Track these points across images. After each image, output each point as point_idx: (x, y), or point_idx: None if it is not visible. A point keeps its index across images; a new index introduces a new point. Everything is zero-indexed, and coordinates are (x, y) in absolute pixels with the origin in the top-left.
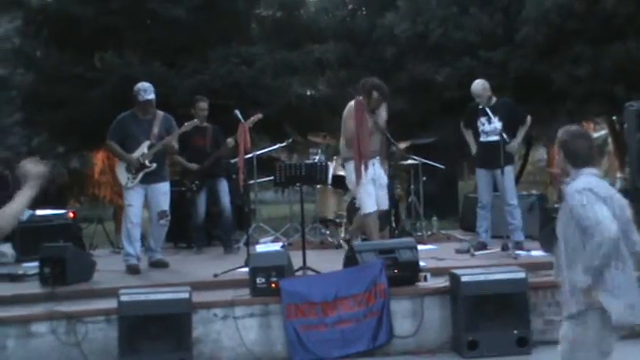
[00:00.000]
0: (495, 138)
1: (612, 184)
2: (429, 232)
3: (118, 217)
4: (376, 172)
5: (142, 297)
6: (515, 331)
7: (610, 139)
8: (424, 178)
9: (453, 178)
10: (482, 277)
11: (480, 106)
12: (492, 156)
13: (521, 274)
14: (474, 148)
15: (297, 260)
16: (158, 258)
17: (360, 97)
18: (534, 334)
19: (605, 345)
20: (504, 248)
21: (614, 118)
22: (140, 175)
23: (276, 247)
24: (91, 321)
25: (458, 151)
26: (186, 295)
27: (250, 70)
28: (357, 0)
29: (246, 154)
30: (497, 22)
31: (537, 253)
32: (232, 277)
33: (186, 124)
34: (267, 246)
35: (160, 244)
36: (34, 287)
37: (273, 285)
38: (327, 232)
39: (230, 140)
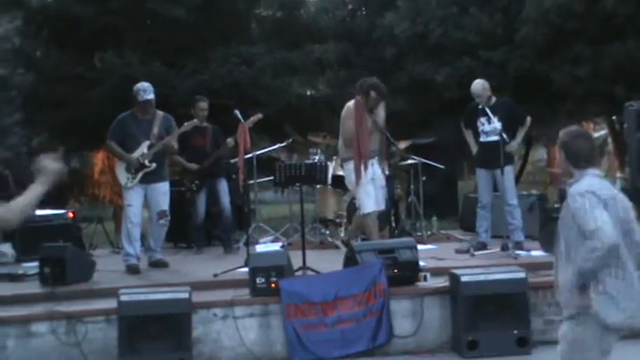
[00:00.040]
0: (495, 138)
1: (612, 184)
2: (429, 232)
3: (117, 217)
4: (375, 172)
5: (142, 297)
6: (515, 331)
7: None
8: (424, 178)
9: (453, 178)
10: (482, 277)
11: (480, 106)
12: (492, 156)
13: (521, 274)
14: (474, 149)
15: (296, 260)
16: (158, 258)
17: (359, 97)
18: (534, 334)
19: (605, 345)
20: (504, 248)
21: (614, 118)
22: (140, 175)
23: (276, 247)
24: (91, 321)
25: (458, 151)
26: (186, 295)
27: (250, 70)
28: (357, 0)
29: (246, 154)
30: (497, 22)
31: (537, 253)
32: (232, 277)
33: (185, 124)
34: (266, 246)
35: (160, 244)
36: (34, 287)
37: (272, 285)
38: (327, 232)
39: (230, 140)
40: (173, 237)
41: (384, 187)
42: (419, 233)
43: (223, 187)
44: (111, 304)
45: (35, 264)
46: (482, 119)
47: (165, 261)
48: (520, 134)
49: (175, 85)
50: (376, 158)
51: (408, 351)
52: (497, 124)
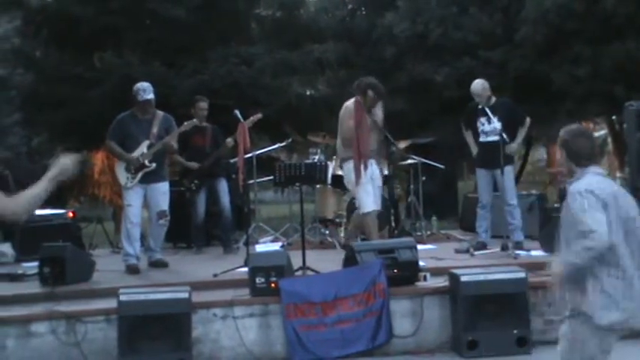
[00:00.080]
0: (495, 138)
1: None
2: (429, 232)
3: (117, 217)
4: (374, 171)
5: (142, 297)
6: (515, 331)
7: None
8: (424, 178)
9: (453, 178)
10: (481, 277)
11: (480, 106)
12: (492, 156)
13: (521, 274)
14: (474, 150)
15: (296, 260)
16: (158, 258)
17: (358, 98)
18: (534, 333)
19: (605, 345)
20: (504, 248)
21: (613, 117)
22: (139, 175)
23: (276, 247)
24: (91, 321)
25: (457, 150)
26: (185, 295)
27: (250, 70)
28: (356, 0)
29: (245, 153)
30: (497, 22)
31: (537, 253)
32: (232, 277)
33: (185, 123)
34: (266, 246)
35: (160, 244)
36: (33, 287)
37: (272, 285)
38: (327, 232)
39: (230, 140)
40: (173, 237)
41: (380, 188)
42: (419, 233)
43: (223, 187)
44: (111, 304)
45: (35, 264)
46: (482, 119)
47: (165, 261)
48: (520, 135)
49: (175, 85)
50: (374, 158)
51: (408, 351)
52: (497, 124)
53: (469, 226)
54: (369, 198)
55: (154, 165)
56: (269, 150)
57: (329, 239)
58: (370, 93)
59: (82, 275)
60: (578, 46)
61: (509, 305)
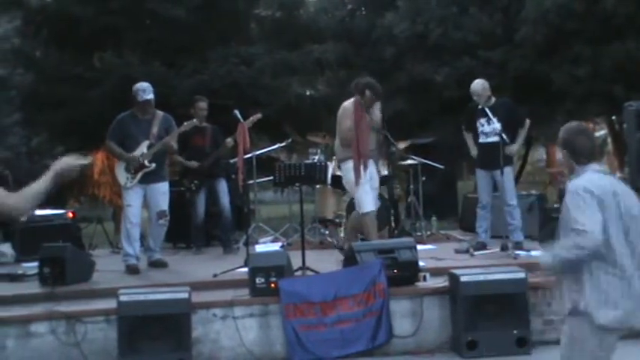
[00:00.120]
0: (495, 139)
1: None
2: (429, 232)
3: (117, 217)
4: (372, 172)
5: (142, 297)
6: (515, 331)
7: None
8: (423, 178)
9: (453, 178)
10: (481, 277)
11: (480, 107)
12: (492, 157)
13: (521, 274)
14: (473, 151)
15: (296, 260)
16: (157, 258)
17: (358, 98)
18: (534, 334)
19: (605, 344)
20: (504, 248)
21: (613, 118)
22: (139, 175)
23: (276, 247)
24: (91, 321)
25: (457, 151)
26: (185, 295)
27: (250, 70)
28: (356, 0)
29: (245, 154)
30: (497, 22)
31: (537, 253)
32: (232, 277)
33: (185, 123)
34: (266, 246)
35: (159, 244)
36: (33, 287)
37: (272, 285)
38: (327, 232)
39: (229, 140)
40: (172, 237)
41: (377, 188)
42: (418, 233)
43: (223, 187)
44: (110, 304)
45: (35, 264)
46: (482, 120)
47: (165, 261)
48: (520, 137)
49: (175, 85)
50: (372, 158)
51: (408, 351)
52: (496, 124)
53: (469, 227)
54: (368, 198)
55: (153, 165)
56: (269, 150)
57: (329, 239)
58: (368, 93)
59: (81, 275)
60: (578, 46)
61: (509, 305)
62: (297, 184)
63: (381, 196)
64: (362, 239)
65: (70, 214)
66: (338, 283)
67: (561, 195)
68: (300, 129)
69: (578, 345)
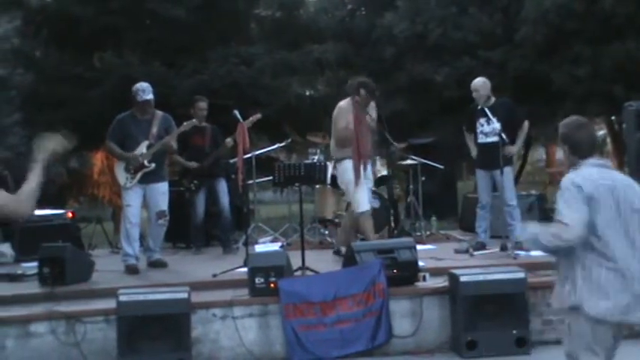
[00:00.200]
0: (494, 139)
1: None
2: (428, 232)
3: (116, 217)
4: (368, 171)
5: (141, 297)
6: (515, 331)
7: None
8: (423, 178)
9: (452, 179)
10: (481, 277)
11: (479, 107)
12: (491, 157)
13: (521, 274)
14: (474, 152)
15: (296, 260)
16: (157, 258)
17: (357, 97)
18: (533, 334)
19: (598, 336)
20: (503, 248)
21: (613, 118)
22: (139, 175)
23: (275, 247)
24: (90, 321)
25: (457, 151)
26: (185, 295)
27: (249, 70)
28: (356, 0)
29: (245, 154)
30: (497, 22)
31: (536, 254)
32: (231, 277)
33: (184, 123)
34: (266, 246)
35: (159, 244)
36: (33, 287)
37: (272, 285)
38: (326, 232)
39: (229, 140)
40: (172, 237)
41: (370, 188)
42: (418, 233)
43: (222, 187)
44: (110, 304)
45: (34, 264)
46: (482, 120)
47: (164, 261)
48: (520, 139)
49: (175, 85)
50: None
51: (408, 351)
52: (496, 124)
53: (468, 227)
54: (365, 198)
55: (153, 165)
56: (268, 150)
57: (328, 239)
58: (363, 92)
59: (81, 275)
60: (578, 46)
61: (508, 305)
62: (296, 184)
63: (380, 196)
64: (362, 239)
65: (70, 214)
66: (337, 283)
67: None
68: (299, 129)
69: (575, 338)
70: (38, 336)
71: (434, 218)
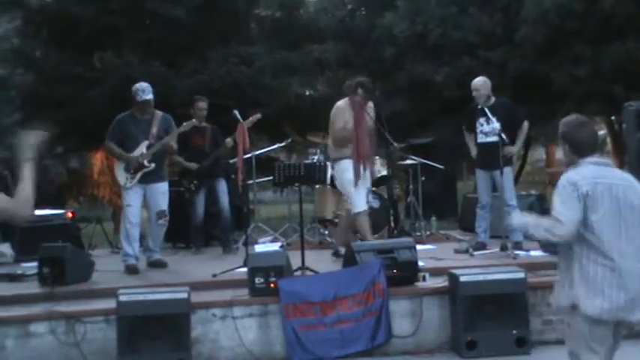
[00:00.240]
0: (494, 139)
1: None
2: (428, 232)
3: (116, 217)
4: (366, 172)
5: (141, 297)
6: (515, 331)
7: (609, 139)
8: (423, 178)
9: (452, 179)
10: (481, 277)
11: (479, 107)
12: (491, 157)
13: (520, 274)
14: (474, 151)
15: (295, 260)
16: (157, 258)
17: (357, 97)
18: (533, 334)
19: (596, 334)
20: (503, 248)
21: (613, 118)
22: (139, 175)
23: (275, 247)
24: (90, 321)
25: (457, 151)
26: (184, 295)
27: (249, 70)
28: (356, 0)
29: (245, 154)
30: (497, 22)
31: (536, 254)
32: (231, 277)
33: (184, 124)
34: (265, 246)
35: (159, 244)
36: (33, 287)
37: (271, 285)
38: (326, 232)
39: (229, 140)
40: (172, 237)
41: (368, 188)
42: (418, 233)
43: (222, 187)
44: (110, 304)
45: (34, 264)
46: (482, 120)
47: (164, 261)
48: (519, 139)
49: (175, 85)
50: None
51: (407, 351)
52: (496, 124)
53: (468, 227)
54: (362, 198)
55: (153, 165)
56: (268, 150)
57: (328, 239)
58: (360, 91)
59: (81, 275)
60: (578, 46)
61: (508, 305)
62: (296, 184)
63: (380, 196)
64: (361, 239)
65: (70, 214)
66: (337, 283)
67: None
68: (299, 129)
69: (575, 337)
70: (38, 336)
71: (434, 218)
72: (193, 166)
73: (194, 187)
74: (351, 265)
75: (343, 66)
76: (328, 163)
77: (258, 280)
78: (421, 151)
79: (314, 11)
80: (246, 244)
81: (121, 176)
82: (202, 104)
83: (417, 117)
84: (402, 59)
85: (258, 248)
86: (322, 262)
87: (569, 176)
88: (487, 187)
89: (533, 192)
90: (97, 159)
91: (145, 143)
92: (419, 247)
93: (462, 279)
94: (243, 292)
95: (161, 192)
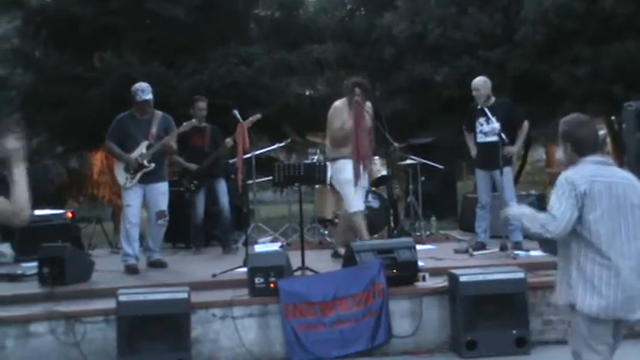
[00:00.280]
0: (494, 138)
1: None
2: (428, 232)
3: (116, 217)
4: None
5: (141, 297)
6: (514, 331)
7: (609, 139)
8: (423, 178)
9: (452, 178)
10: (480, 277)
11: (479, 107)
12: (491, 157)
13: (520, 274)
14: (473, 151)
15: (295, 260)
16: (157, 258)
17: (357, 97)
18: (533, 334)
19: (595, 333)
20: (503, 248)
21: (612, 118)
22: (139, 175)
23: (275, 247)
24: (90, 321)
25: (457, 151)
26: (184, 295)
27: (249, 70)
28: (355, 0)
29: (244, 154)
30: (497, 22)
31: (536, 254)
32: (231, 277)
33: (184, 124)
34: (265, 246)
35: (159, 244)
36: (32, 287)
37: (271, 285)
38: (326, 232)
39: (229, 140)
40: (172, 237)
41: (364, 188)
42: (418, 233)
43: (222, 187)
44: (110, 304)
45: (34, 264)
46: (481, 119)
47: (164, 261)
48: (519, 139)
49: (174, 85)
50: None
51: (407, 351)
52: (495, 124)
53: (468, 227)
54: (358, 198)
55: (152, 165)
56: (268, 150)
57: (328, 239)
58: (357, 91)
59: (81, 275)
60: (577, 46)
61: (508, 305)
62: (296, 184)
63: (380, 196)
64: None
65: (70, 214)
66: (337, 283)
67: None
68: (299, 129)
69: (576, 336)
70: (38, 336)
71: (433, 218)
72: (193, 166)
73: (194, 187)
74: (350, 265)
75: (343, 66)
76: (328, 163)
77: (258, 280)
78: (421, 151)
79: (313, 11)
80: (246, 244)
81: (121, 176)
82: (202, 104)
83: (416, 117)
84: (402, 59)
85: (258, 248)
86: (322, 262)
87: (567, 175)
88: (487, 187)
89: (533, 192)
90: (97, 159)
91: (145, 143)
92: (419, 247)
93: (462, 279)
94: (243, 292)
95: (161, 192)
